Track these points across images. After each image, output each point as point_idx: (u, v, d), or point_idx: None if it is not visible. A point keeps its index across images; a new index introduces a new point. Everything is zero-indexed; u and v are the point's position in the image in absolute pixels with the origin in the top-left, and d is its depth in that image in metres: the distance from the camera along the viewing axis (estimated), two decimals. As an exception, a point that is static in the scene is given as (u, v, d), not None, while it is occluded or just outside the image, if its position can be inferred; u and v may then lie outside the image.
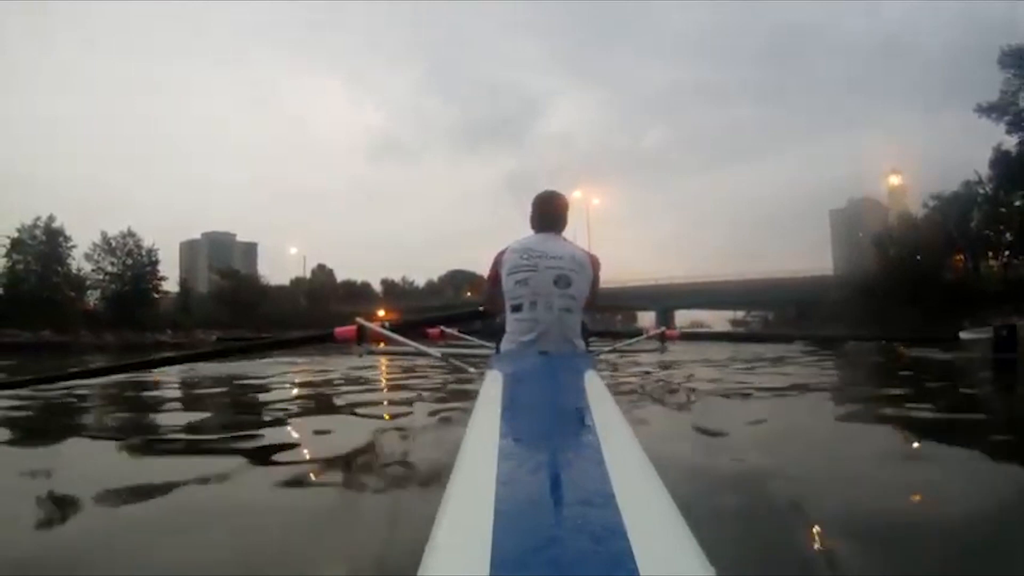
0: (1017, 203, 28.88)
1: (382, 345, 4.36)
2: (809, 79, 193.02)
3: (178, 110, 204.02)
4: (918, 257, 32.25)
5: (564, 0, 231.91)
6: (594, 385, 1.56)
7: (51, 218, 40.50)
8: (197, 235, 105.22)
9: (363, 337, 3.47)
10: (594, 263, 2.75)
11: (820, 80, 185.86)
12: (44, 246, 39.50)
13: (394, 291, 69.28)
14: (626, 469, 0.87)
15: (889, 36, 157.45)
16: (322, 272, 67.47)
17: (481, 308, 3.63)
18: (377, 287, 70.38)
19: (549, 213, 2.81)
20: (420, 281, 76.08)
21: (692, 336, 7.29)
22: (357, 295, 62.90)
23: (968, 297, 26.73)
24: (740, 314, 60.71)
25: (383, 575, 1.04)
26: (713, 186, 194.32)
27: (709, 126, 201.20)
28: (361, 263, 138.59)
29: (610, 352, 4.98)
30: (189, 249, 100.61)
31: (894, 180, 64.35)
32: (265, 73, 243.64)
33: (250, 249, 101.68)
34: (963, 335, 5.29)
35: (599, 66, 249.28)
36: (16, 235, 39.16)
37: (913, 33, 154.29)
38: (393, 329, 3.68)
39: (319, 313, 47.22)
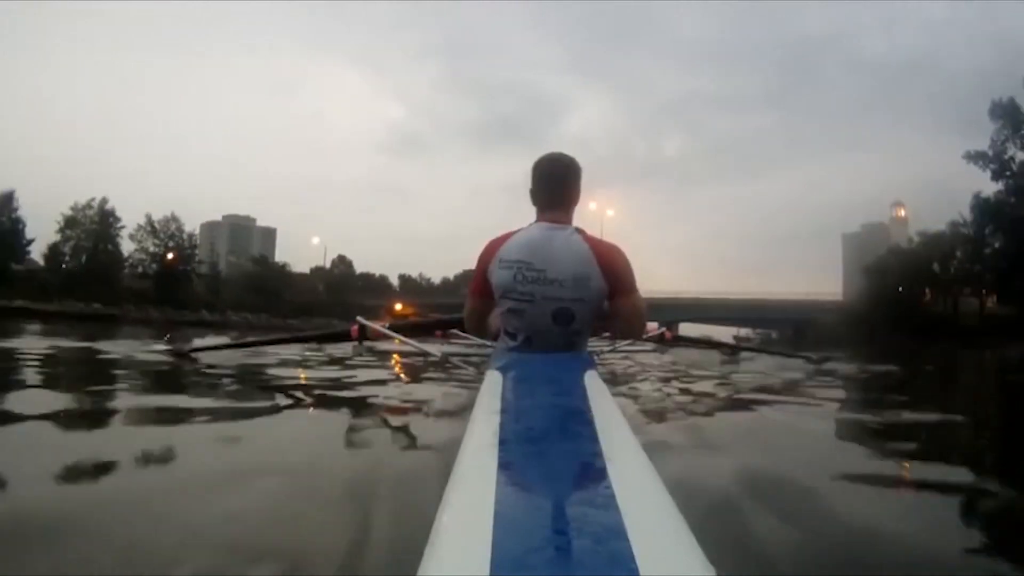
0: (997, 244, 31.13)
1: (383, 344, 4.35)
2: (828, 95, 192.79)
3: (200, 96, 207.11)
4: (901, 288, 34.47)
5: (584, 3, 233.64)
6: (594, 385, 1.55)
7: (104, 200, 44.28)
8: (218, 217, 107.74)
9: (364, 336, 3.48)
10: (608, 264, 2.17)
11: (839, 97, 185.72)
12: (97, 225, 42.86)
13: (411, 286, 71.23)
14: (626, 469, 0.87)
15: (911, 56, 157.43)
16: (342, 263, 69.60)
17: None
18: (394, 281, 72.66)
19: (556, 185, 2.28)
20: (436, 278, 77.65)
21: (690, 341, 6.84)
22: (375, 288, 64.98)
23: (947, 330, 28.99)
24: (744, 331, 62.03)
25: (382, 575, 1.03)
26: (728, 198, 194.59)
27: (726, 137, 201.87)
28: (375, 254, 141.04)
29: (610, 352, 4.91)
30: (210, 231, 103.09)
31: (899, 212, 66.38)
32: (287, 64, 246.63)
33: (269, 234, 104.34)
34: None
35: (617, 71, 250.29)
36: (70, 213, 42.53)
37: (935, 55, 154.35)
38: (394, 328, 3.70)
39: (340, 303, 49.54)
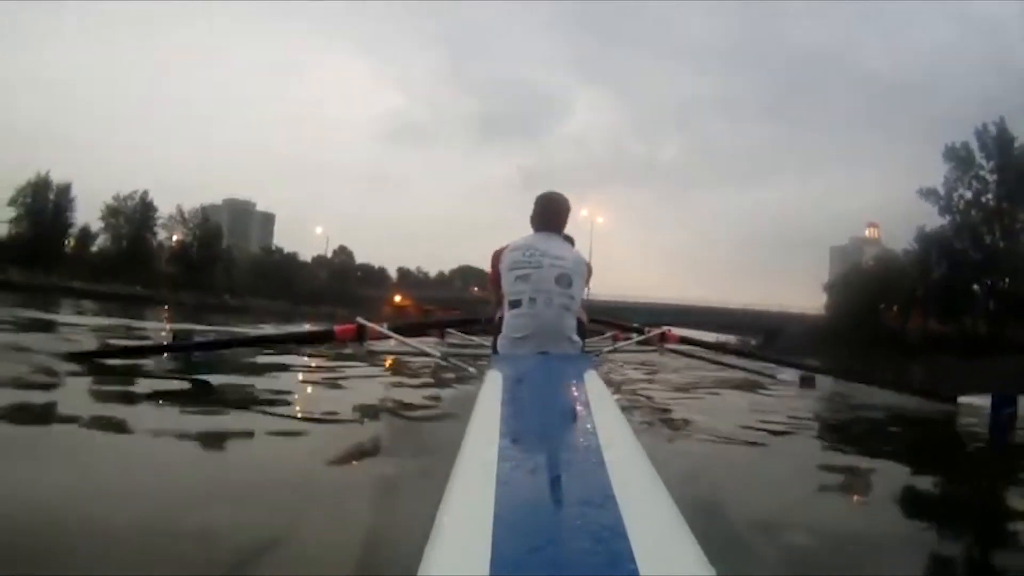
0: (941, 272, 35.29)
1: (383, 344, 4.29)
2: (828, 109, 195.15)
3: (199, 74, 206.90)
4: (859, 305, 38.48)
5: (589, 2, 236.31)
6: (594, 385, 1.58)
7: (145, 192, 48.76)
8: (218, 201, 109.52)
9: (363, 336, 3.47)
10: (588, 270, 2.80)
11: (838, 112, 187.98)
12: (138, 215, 48.03)
13: (408, 279, 72.99)
14: (626, 469, 0.88)
15: (911, 77, 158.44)
16: (343, 253, 72.29)
17: (497, 316, 3.23)
18: (392, 273, 75.23)
19: (551, 213, 2.83)
20: (432, 271, 79.28)
21: (692, 343, 6.25)
22: (374, 279, 67.27)
23: (896, 346, 32.97)
24: (725, 337, 65.06)
25: (383, 575, 1.05)
26: (722, 204, 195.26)
27: (725, 144, 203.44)
28: (371, 242, 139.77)
29: (610, 352, 4.91)
30: (211, 213, 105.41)
31: (871, 232, 70.27)
32: (289, 49, 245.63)
33: (268, 219, 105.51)
34: (961, 400, 5.03)
35: (619, 72, 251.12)
36: (112, 203, 47.76)
37: (936, 77, 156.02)
38: (394, 329, 3.70)
39: (344, 292, 52.74)
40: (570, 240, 2.96)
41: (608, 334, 5.17)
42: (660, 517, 0.75)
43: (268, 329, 7.19)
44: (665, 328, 5.00)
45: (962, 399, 4.79)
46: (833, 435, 3.44)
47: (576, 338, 2.64)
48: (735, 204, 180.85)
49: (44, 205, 44.38)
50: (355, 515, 1.38)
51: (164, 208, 49.89)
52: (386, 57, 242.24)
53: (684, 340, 5.65)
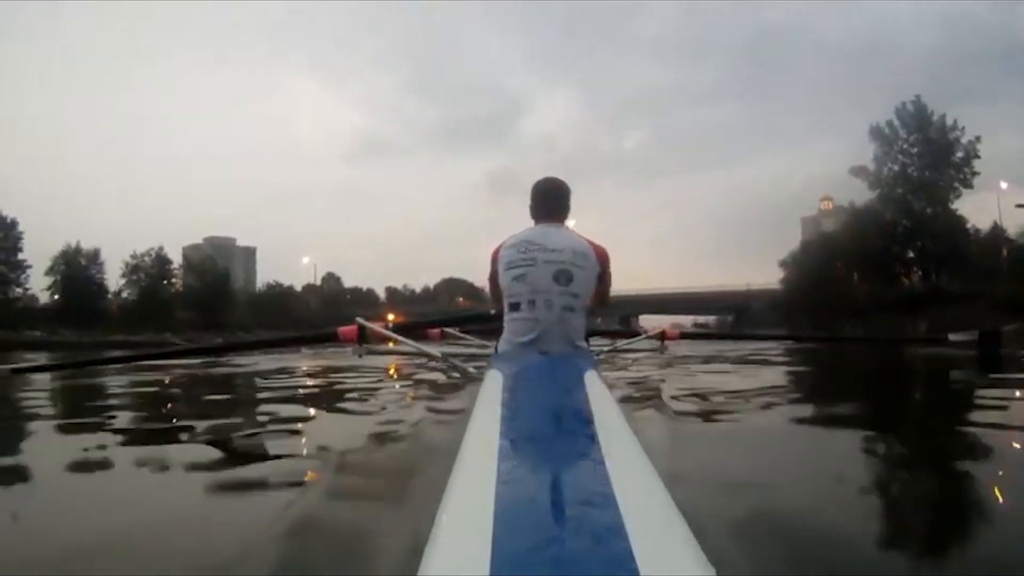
0: (876, 242, 39.83)
1: (383, 345, 4.41)
2: (789, 81, 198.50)
3: (164, 113, 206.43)
4: (809, 276, 42.97)
5: (545, 2, 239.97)
6: (595, 385, 1.58)
7: (161, 248, 54.75)
8: (199, 240, 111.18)
9: (364, 337, 3.52)
10: (600, 255, 2.57)
11: (800, 82, 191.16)
12: (155, 269, 53.42)
13: (397, 298, 74.79)
14: (626, 469, 0.89)
15: (868, 40, 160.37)
16: (331, 279, 73.73)
17: (492, 311, 3.26)
18: (380, 293, 76.62)
19: (550, 201, 2.63)
20: (418, 287, 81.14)
21: (691, 336, 7.15)
22: (364, 301, 68.44)
23: (845, 308, 37.36)
24: (703, 319, 68.75)
25: (383, 575, 1.05)
26: (693, 188, 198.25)
27: (690, 128, 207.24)
28: (355, 263, 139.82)
29: (610, 351, 4.93)
30: (193, 253, 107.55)
31: (826, 205, 74.74)
32: (249, 77, 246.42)
33: (250, 253, 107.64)
34: (952, 337, 5.96)
35: (581, 66, 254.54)
36: (132, 261, 53.11)
37: (892, 38, 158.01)
38: (394, 329, 3.75)
39: (338, 316, 56.06)
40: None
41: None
42: (660, 517, 0.74)
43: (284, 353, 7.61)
44: (663, 327, 5.24)
45: (952, 336, 5.93)
46: (843, 399, 3.65)
47: (581, 343, 2.53)
48: (703, 187, 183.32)
49: (77, 271, 50.33)
50: (351, 516, 1.36)
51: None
52: (346, 74, 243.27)
53: (684, 336, 5.95)
